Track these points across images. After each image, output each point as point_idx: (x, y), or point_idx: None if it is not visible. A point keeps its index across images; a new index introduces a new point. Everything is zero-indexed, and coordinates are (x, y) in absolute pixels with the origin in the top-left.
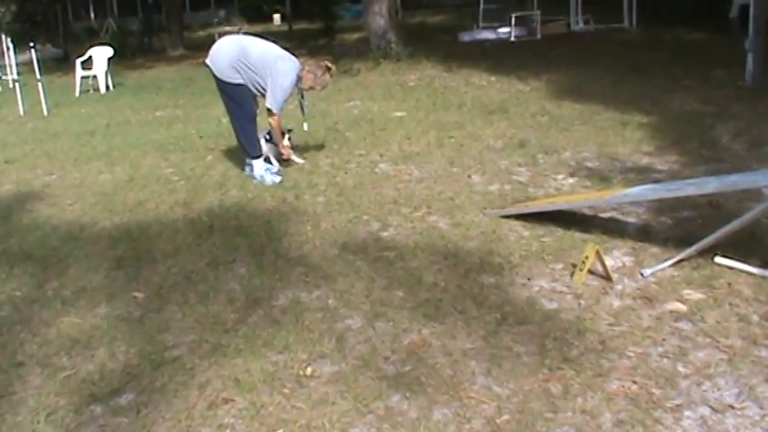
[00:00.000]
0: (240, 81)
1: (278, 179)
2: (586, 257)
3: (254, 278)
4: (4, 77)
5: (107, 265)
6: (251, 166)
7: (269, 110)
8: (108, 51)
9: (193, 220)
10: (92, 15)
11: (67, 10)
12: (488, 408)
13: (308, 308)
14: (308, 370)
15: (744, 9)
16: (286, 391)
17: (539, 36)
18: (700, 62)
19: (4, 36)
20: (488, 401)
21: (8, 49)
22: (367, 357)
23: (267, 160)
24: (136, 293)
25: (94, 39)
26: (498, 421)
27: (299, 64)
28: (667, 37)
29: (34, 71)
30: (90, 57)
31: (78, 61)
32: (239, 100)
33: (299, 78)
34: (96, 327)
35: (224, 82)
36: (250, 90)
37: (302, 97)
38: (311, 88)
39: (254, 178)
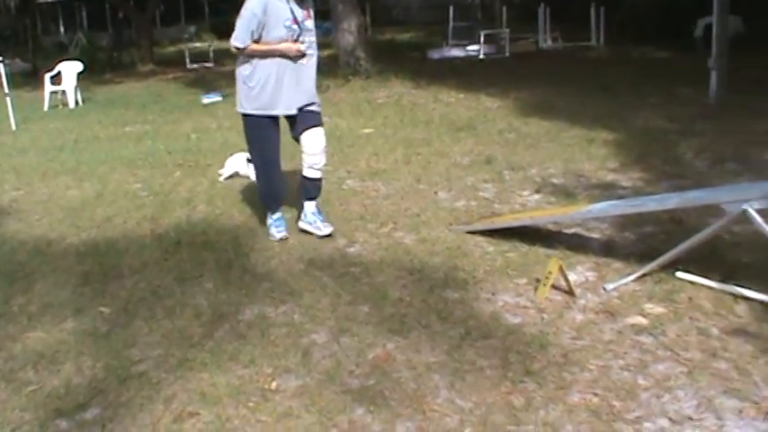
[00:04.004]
0: (243, 110)
1: (281, 236)
2: (549, 273)
3: (221, 293)
4: None
5: (74, 281)
6: None
7: (236, 49)
8: (77, 66)
9: (161, 235)
10: (61, 30)
11: (37, 24)
12: (451, 421)
13: (274, 323)
14: (273, 384)
15: (708, 28)
16: (251, 404)
17: (507, 54)
18: (665, 80)
19: None
20: (451, 414)
21: None
22: (332, 372)
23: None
24: (102, 308)
25: (64, 53)
26: None
27: None
28: (634, 55)
29: (2, 86)
30: (59, 72)
31: (47, 76)
32: (248, 134)
33: None
34: (62, 342)
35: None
36: (260, 120)
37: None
38: None
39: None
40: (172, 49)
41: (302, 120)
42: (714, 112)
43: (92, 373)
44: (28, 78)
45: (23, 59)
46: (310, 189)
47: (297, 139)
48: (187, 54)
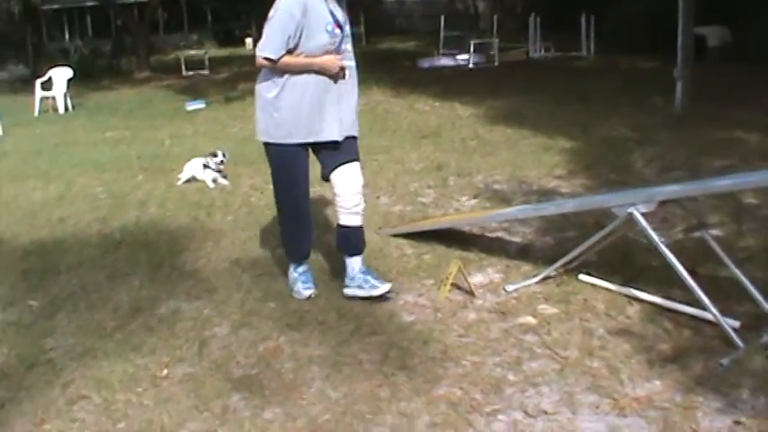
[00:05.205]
0: (270, 139)
1: (309, 293)
2: (450, 273)
3: (144, 289)
4: None
5: (13, 277)
6: None
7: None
8: (67, 72)
9: (106, 235)
10: (66, 36)
11: (42, 31)
12: (316, 408)
13: (184, 317)
14: (164, 372)
15: (696, 38)
16: (139, 390)
17: (496, 63)
18: (643, 89)
19: None
20: (317, 403)
21: None
22: (220, 362)
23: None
24: (32, 302)
25: (67, 60)
26: (320, 420)
27: None
28: (623, 65)
29: None
30: (50, 78)
31: (38, 82)
32: (274, 168)
33: None
34: None
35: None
36: (291, 150)
37: (341, 35)
38: None
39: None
40: (173, 56)
41: (336, 152)
42: (677, 121)
43: (4, 360)
44: (27, 84)
45: (26, 65)
46: (353, 241)
47: (326, 178)
48: (183, 61)
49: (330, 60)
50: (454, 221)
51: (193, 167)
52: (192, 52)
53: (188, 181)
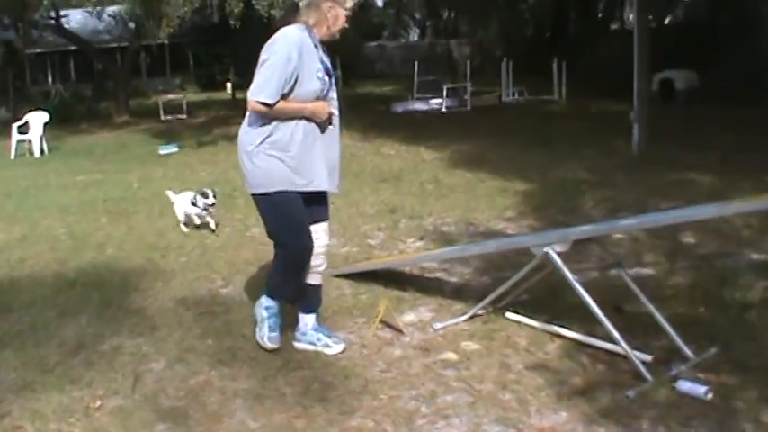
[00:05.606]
0: (265, 189)
1: (272, 346)
2: (378, 312)
3: (91, 327)
4: None
5: None
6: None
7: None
8: (43, 116)
9: (62, 275)
10: (49, 80)
11: (25, 75)
12: None
13: (124, 352)
14: (98, 403)
15: (663, 83)
16: (72, 420)
17: (469, 107)
18: (607, 133)
19: None
20: None
21: None
22: (151, 394)
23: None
24: None
25: (48, 103)
26: None
27: (293, 26)
28: (593, 109)
29: None
30: (26, 121)
31: (15, 126)
32: (274, 218)
33: (311, 34)
34: None
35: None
36: (289, 195)
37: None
38: (329, 35)
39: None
40: (154, 100)
41: (312, 208)
42: (633, 164)
43: None
44: (6, 127)
45: (7, 109)
46: (310, 299)
47: None
48: (161, 106)
49: (322, 105)
50: (388, 262)
51: (184, 205)
52: (171, 96)
53: (187, 221)
